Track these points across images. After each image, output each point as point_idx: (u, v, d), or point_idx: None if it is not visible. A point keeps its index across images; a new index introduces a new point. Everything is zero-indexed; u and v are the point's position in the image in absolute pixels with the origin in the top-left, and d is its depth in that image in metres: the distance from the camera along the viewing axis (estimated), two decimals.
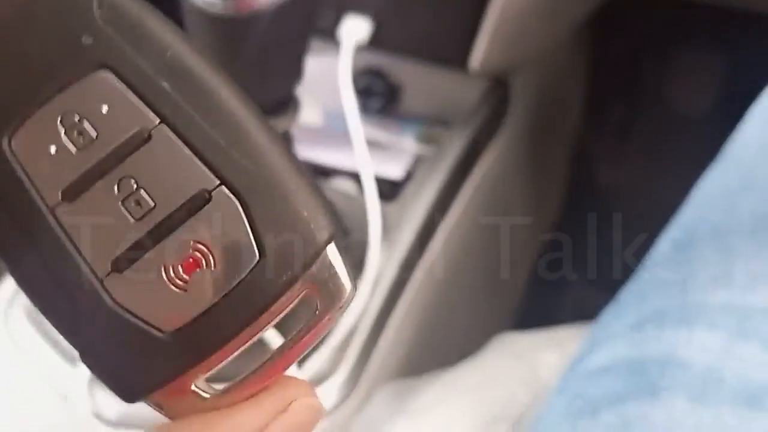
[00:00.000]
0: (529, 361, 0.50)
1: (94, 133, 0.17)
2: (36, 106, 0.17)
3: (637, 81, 0.93)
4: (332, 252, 0.17)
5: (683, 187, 0.48)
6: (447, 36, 0.61)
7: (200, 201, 0.17)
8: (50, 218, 0.17)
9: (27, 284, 0.17)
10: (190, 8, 0.38)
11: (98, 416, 0.48)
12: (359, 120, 0.55)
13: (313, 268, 0.17)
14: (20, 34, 0.16)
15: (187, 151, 0.17)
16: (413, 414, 0.48)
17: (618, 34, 0.92)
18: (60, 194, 0.17)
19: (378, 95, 0.70)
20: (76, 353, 0.18)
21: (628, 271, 0.45)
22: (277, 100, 0.43)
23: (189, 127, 0.17)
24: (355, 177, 0.64)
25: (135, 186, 0.17)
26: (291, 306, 0.17)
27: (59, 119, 0.17)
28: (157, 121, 0.17)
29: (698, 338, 0.35)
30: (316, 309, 0.17)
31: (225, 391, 0.17)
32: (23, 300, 0.54)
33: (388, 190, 0.62)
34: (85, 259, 0.17)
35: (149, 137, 0.17)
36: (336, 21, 0.60)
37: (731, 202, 0.42)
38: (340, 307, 0.17)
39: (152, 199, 0.17)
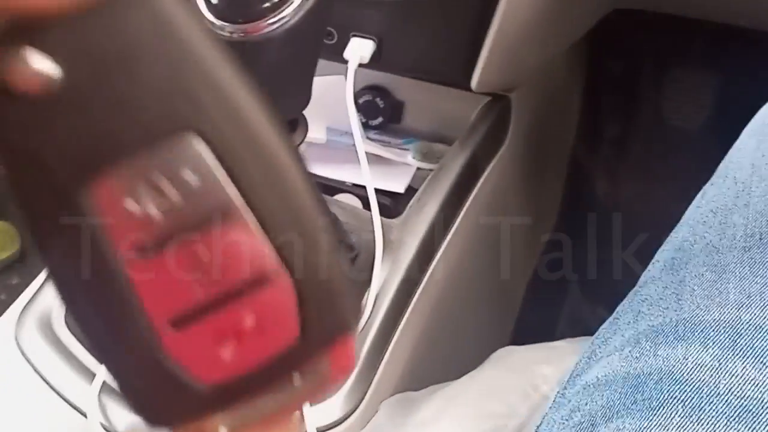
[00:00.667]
0: (528, 375, 0.50)
1: (176, 198, 0.17)
2: (125, 157, 0.17)
3: (633, 97, 0.94)
4: (351, 336, 0.19)
5: (678, 202, 0.48)
6: (447, 57, 0.62)
7: (262, 279, 0.18)
8: (121, 270, 0.17)
9: (84, 321, 0.18)
10: None
11: (108, 429, 0.49)
12: (362, 136, 0.56)
13: (336, 346, 0.19)
14: (127, 82, 0.16)
15: (259, 232, 0.17)
16: (417, 426, 0.49)
17: (615, 51, 0.93)
18: (134, 250, 0.17)
19: (380, 112, 0.71)
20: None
21: (622, 285, 0.46)
22: (287, 121, 0.45)
23: (263, 209, 0.17)
24: (358, 192, 0.65)
25: (207, 256, 0.17)
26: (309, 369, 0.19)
27: (144, 176, 0.17)
28: (241, 200, 0.17)
29: (693, 355, 0.36)
30: (327, 373, 0.20)
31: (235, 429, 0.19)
32: (34, 315, 0.55)
33: (392, 205, 0.63)
34: (146, 313, 0.17)
35: (228, 213, 0.17)
36: (338, 41, 0.62)
37: (725, 221, 0.43)
38: (346, 377, 0.20)
39: (221, 271, 0.17)
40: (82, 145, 0.16)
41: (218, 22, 0.38)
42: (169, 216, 0.17)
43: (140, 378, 0.18)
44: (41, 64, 0.16)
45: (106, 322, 0.18)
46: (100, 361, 0.18)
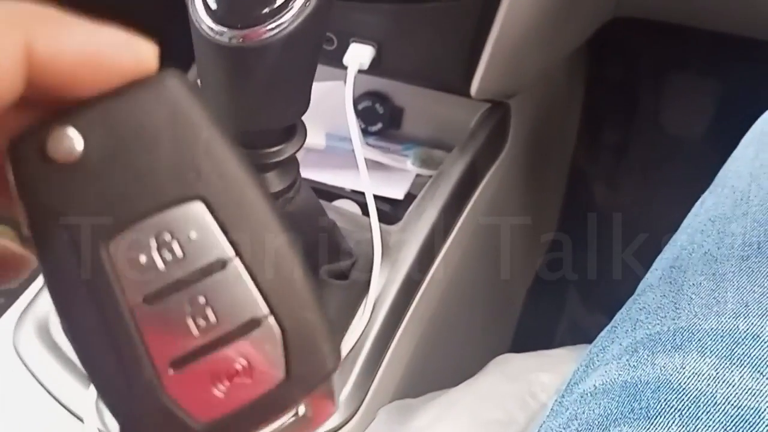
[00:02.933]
0: (526, 383, 0.50)
1: (180, 254, 0.20)
2: (138, 219, 0.20)
3: (633, 103, 0.94)
4: (333, 379, 0.22)
5: (677, 209, 0.49)
6: (446, 63, 0.62)
7: (253, 324, 0.20)
8: (129, 315, 0.20)
9: (91, 361, 0.20)
10: (199, 39, 0.39)
11: None
12: (362, 142, 0.56)
13: (319, 389, 0.21)
14: (145, 154, 0.20)
15: (250, 282, 0.20)
16: None
17: (614, 59, 0.94)
18: (142, 297, 0.20)
19: (380, 118, 0.71)
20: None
21: (622, 292, 0.46)
22: (285, 127, 0.45)
23: (254, 262, 0.20)
24: (357, 198, 0.65)
25: (205, 303, 0.20)
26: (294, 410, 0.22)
27: (155, 235, 0.20)
28: (233, 254, 0.20)
29: (690, 364, 0.36)
30: (311, 415, 0.22)
31: None
32: (32, 319, 0.55)
33: (391, 211, 0.63)
34: (149, 354, 0.20)
35: (224, 266, 0.20)
36: (337, 47, 0.62)
37: (723, 229, 0.43)
38: (327, 417, 0.22)
39: (216, 317, 0.20)
40: (102, 207, 0.20)
41: (217, 27, 0.38)
42: (173, 268, 0.20)
43: (142, 418, 0.20)
44: (72, 137, 0.19)
45: (113, 365, 0.20)
46: (106, 404, 0.20)
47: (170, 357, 0.20)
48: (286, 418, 0.22)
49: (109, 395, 0.20)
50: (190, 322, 0.20)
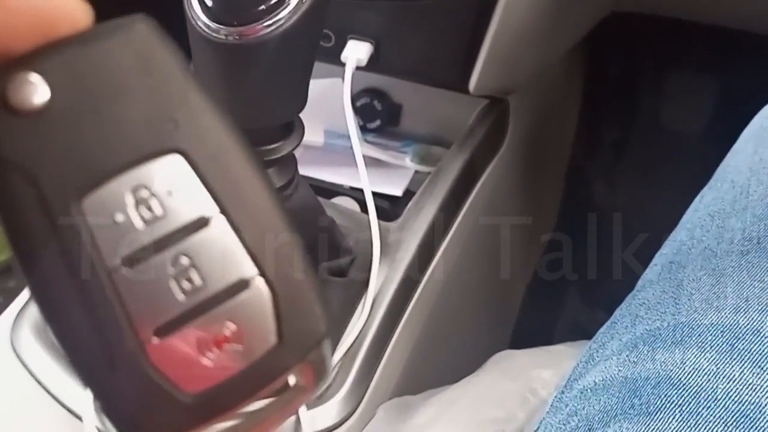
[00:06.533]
0: (526, 379, 0.50)
1: (160, 211, 0.18)
2: (112, 173, 0.18)
3: (632, 100, 0.94)
4: (326, 343, 0.20)
5: (676, 205, 0.48)
6: (445, 59, 0.62)
7: (241, 286, 0.19)
8: (106, 279, 0.18)
9: (62, 329, 0.18)
10: (195, 36, 0.39)
11: None
12: (360, 139, 0.56)
13: (312, 354, 0.20)
14: (116, 104, 0.18)
15: (236, 240, 0.19)
16: (414, 430, 0.49)
17: (613, 54, 0.93)
18: (120, 259, 0.18)
19: (378, 115, 0.71)
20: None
21: (621, 287, 0.46)
22: (283, 124, 0.44)
23: (240, 218, 0.19)
24: (356, 195, 0.65)
25: (188, 264, 0.18)
26: (286, 380, 0.20)
27: (131, 191, 0.18)
28: (218, 210, 0.19)
29: (690, 359, 0.36)
30: (302, 384, 0.20)
31: None
32: (30, 318, 0.55)
33: (390, 208, 0.63)
34: (131, 322, 0.18)
35: (207, 223, 0.19)
36: (335, 44, 0.62)
37: (723, 224, 0.43)
38: (321, 386, 0.21)
39: (201, 278, 0.18)
40: (72, 162, 0.18)
41: (213, 25, 0.38)
42: (152, 227, 0.18)
43: (126, 392, 0.18)
44: (35, 83, 0.18)
45: (91, 335, 0.18)
46: (83, 379, 0.19)
47: (153, 324, 0.18)
48: (278, 388, 0.20)
49: (87, 369, 0.18)
50: (173, 285, 0.18)
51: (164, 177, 0.18)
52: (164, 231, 0.18)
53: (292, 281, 0.19)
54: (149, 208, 0.18)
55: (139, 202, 0.18)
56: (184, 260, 0.18)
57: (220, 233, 0.19)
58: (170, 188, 0.18)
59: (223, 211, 0.19)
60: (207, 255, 0.18)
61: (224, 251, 0.19)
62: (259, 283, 0.19)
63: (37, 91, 0.17)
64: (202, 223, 0.19)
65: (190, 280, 0.18)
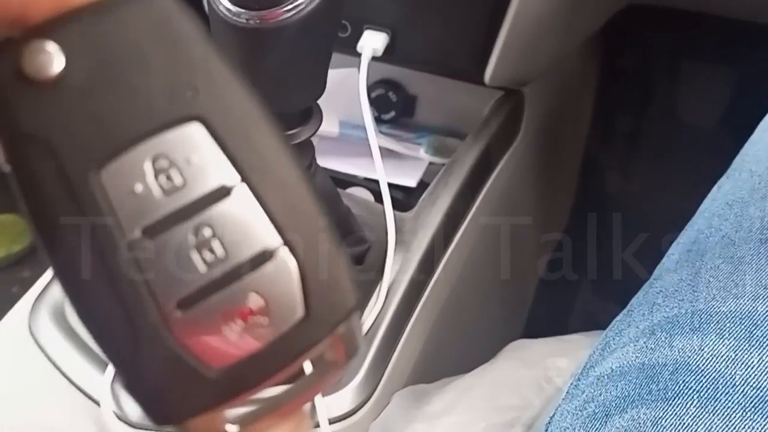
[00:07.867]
0: (542, 367, 0.50)
1: (180, 180, 0.18)
2: (131, 143, 0.18)
3: (647, 91, 0.94)
4: (355, 317, 0.20)
5: (692, 196, 0.48)
6: (460, 50, 0.62)
7: (265, 257, 0.18)
8: (127, 252, 0.18)
9: (86, 306, 0.18)
10: (216, 19, 0.39)
11: (120, 417, 0.49)
12: (375, 130, 0.56)
13: (341, 328, 0.19)
14: (134, 72, 0.17)
15: (259, 209, 0.18)
16: (429, 419, 0.49)
17: (628, 46, 0.93)
18: (140, 231, 0.18)
19: (393, 106, 0.71)
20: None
21: (635, 280, 0.46)
22: (301, 110, 0.45)
23: (262, 187, 0.18)
24: (371, 185, 0.65)
25: (211, 234, 0.18)
26: (317, 355, 0.19)
27: (151, 161, 0.18)
28: (239, 179, 0.18)
29: (709, 346, 0.36)
30: (332, 359, 0.20)
31: (247, 423, 0.19)
32: (48, 304, 0.55)
33: (404, 199, 0.63)
34: (154, 295, 0.18)
35: (229, 193, 0.18)
36: (351, 34, 0.62)
37: (741, 213, 0.43)
38: (353, 359, 0.20)
39: (224, 249, 0.18)
40: (90, 131, 0.17)
41: (234, 9, 0.38)
42: (173, 197, 0.18)
43: (149, 367, 0.18)
44: (51, 51, 0.17)
45: (114, 309, 0.18)
46: (107, 355, 0.18)
47: (176, 296, 0.18)
48: (307, 363, 0.19)
49: (110, 345, 0.18)
50: (195, 256, 0.18)
51: (184, 145, 0.18)
52: (185, 201, 0.18)
53: (319, 252, 0.19)
54: (169, 178, 0.18)
55: (159, 171, 0.18)
56: (206, 231, 0.18)
57: (243, 202, 0.18)
58: (191, 157, 0.18)
59: (245, 180, 0.18)
60: (230, 225, 0.18)
61: (247, 221, 0.18)
62: (284, 253, 0.18)
63: (53, 60, 0.17)
64: (223, 192, 0.18)
65: (212, 251, 0.18)
